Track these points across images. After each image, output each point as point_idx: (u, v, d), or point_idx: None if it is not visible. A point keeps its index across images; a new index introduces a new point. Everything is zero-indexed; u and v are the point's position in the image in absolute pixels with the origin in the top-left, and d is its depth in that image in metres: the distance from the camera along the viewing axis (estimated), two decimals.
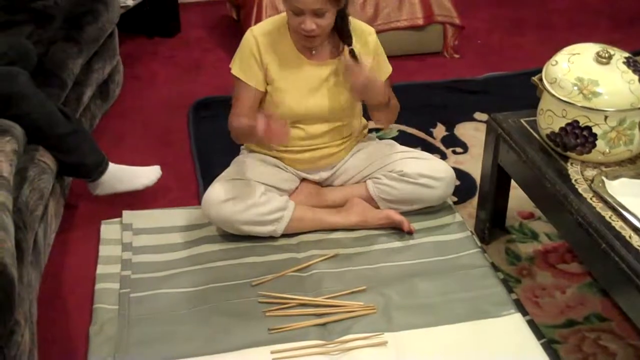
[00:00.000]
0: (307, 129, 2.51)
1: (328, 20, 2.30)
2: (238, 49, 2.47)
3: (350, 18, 2.43)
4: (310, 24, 2.28)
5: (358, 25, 2.48)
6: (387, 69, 2.57)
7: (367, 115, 2.66)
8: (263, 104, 2.50)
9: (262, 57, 2.42)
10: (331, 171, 2.62)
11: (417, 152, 2.68)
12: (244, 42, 2.45)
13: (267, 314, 2.22)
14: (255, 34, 2.43)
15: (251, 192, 2.43)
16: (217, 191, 2.45)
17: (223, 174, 2.55)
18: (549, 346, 2.10)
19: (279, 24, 2.45)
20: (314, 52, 2.44)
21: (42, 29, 3.00)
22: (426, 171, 2.53)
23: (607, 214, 1.92)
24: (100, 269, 2.42)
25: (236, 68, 2.45)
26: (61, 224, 2.56)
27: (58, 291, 2.37)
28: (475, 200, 2.69)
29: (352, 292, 2.28)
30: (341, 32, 2.40)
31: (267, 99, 2.48)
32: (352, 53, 2.36)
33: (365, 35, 2.48)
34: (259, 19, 3.68)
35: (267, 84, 2.46)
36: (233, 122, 2.47)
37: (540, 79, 2.17)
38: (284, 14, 2.44)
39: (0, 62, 2.53)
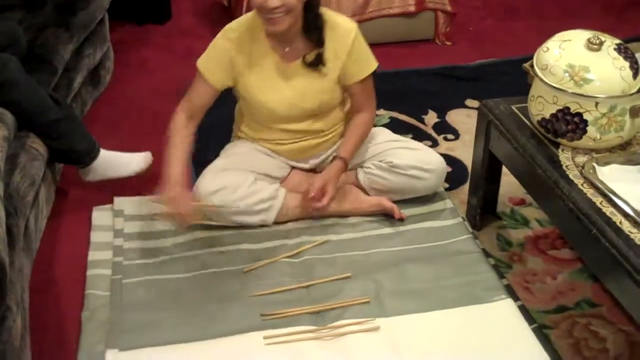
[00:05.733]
0: (289, 127, 2.49)
1: None
2: (210, 46, 2.43)
3: (331, 13, 2.38)
4: (274, 0, 2.19)
5: (337, 22, 2.39)
6: (369, 65, 2.46)
7: None
8: (238, 103, 2.50)
9: (233, 59, 2.37)
10: (320, 158, 2.61)
11: (408, 142, 2.66)
12: (217, 42, 2.41)
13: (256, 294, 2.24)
14: (230, 35, 2.38)
15: (241, 183, 2.43)
16: (206, 183, 2.44)
17: (213, 164, 2.53)
18: (540, 331, 2.12)
19: (252, 25, 2.38)
20: (287, 49, 2.37)
21: (33, 15, 2.98)
22: (416, 162, 2.52)
23: (598, 200, 1.93)
24: (92, 255, 2.42)
25: (202, 62, 2.42)
26: (52, 210, 2.56)
27: (50, 277, 2.37)
28: (466, 187, 2.70)
29: (339, 279, 2.29)
30: (311, 29, 2.33)
31: (245, 103, 2.48)
32: (317, 59, 2.37)
33: (344, 33, 2.38)
34: (249, 6, 3.67)
35: (240, 87, 2.43)
36: (175, 122, 2.45)
37: (532, 66, 2.17)
38: (253, 13, 2.37)
39: None
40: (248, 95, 2.44)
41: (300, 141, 2.54)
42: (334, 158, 2.51)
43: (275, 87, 2.42)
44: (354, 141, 2.52)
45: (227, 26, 2.42)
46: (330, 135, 2.57)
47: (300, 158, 2.60)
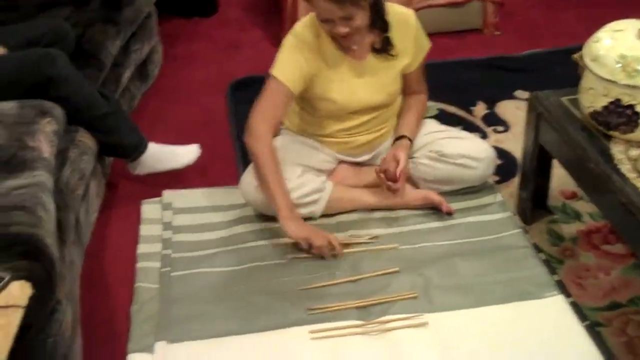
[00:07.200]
0: (353, 120, 2.49)
1: (359, 20, 2.24)
2: (280, 53, 2.36)
3: (388, 4, 2.38)
4: (342, 28, 2.24)
5: (396, 11, 2.41)
6: (426, 45, 2.51)
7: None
8: (304, 102, 2.48)
9: (308, 59, 2.34)
10: (371, 154, 2.61)
11: (457, 132, 2.66)
12: (287, 45, 2.36)
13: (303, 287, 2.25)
14: (300, 36, 2.36)
15: (288, 175, 2.42)
16: (253, 176, 2.45)
17: None
18: (592, 329, 2.08)
19: (317, 25, 2.36)
20: (355, 46, 2.38)
21: (80, 11, 3.02)
22: (465, 151, 2.50)
23: None
24: (141, 248, 2.45)
25: (278, 70, 2.33)
26: (103, 204, 2.59)
27: (100, 270, 2.40)
28: (516, 180, 2.66)
29: (386, 273, 2.28)
30: (376, 22, 2.34)
31: (307, 100, 2.45)
32: (385, 43, 2.38)
33: (406, 19, 2.43)
34: None
35: (309, 86, 2.39)
36: (261, 141, 2.31)
37: (581, 57, 2.13)
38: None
39: (40, 44, 2.56)
40: (324, 94, 2.41)
41: (359, 135, 2.53)
42: (398, 138, 2.51)
43: (350, 84, 2.42)
44: (415, 119, 2.55)
45: (293, 29, 2.41)
46: (385, 130, 2.57)
47: (355, 153, 2.59)
